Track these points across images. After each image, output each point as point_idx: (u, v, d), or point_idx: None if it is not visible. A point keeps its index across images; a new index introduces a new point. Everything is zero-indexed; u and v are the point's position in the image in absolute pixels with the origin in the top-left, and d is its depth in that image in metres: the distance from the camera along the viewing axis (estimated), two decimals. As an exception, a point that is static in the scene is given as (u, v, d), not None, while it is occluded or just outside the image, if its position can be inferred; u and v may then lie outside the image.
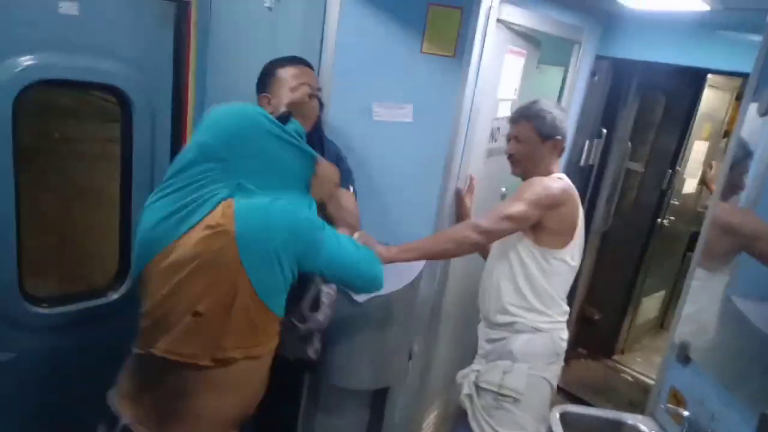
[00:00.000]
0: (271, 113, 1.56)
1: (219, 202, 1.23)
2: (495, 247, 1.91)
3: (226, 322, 1.24)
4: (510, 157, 1.87)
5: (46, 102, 1.95)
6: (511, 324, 1.78)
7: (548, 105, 1.82)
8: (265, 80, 1.69)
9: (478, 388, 1.85)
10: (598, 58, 2.77)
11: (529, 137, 1.79)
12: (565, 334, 1.84)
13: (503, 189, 2.46)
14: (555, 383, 1.83)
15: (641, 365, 3.70)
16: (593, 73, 2.81)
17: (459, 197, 2.05)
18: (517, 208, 1.69)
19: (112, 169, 1.96)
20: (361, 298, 1.87)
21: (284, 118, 1.36)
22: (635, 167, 3.50)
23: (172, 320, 1.23)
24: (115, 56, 1.74)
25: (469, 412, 1.89)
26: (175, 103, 1.99)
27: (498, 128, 2.22)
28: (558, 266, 1.76)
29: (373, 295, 1.88)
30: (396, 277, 1.85)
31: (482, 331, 1.93)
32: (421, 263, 1.98)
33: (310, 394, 2.14)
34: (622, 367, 3.68)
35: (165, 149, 1.91)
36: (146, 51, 1.81)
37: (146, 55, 1.82)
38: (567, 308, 1.84)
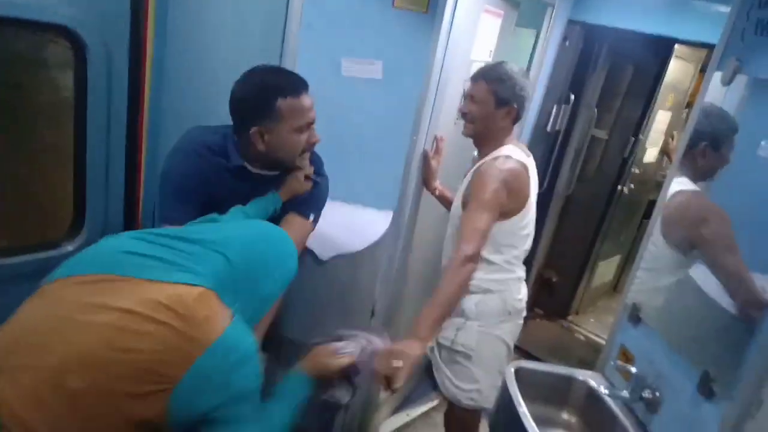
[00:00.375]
0: (264, 152, 1.46)
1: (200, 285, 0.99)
2: (451, 213, 1.92)
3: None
4: (463, 116, 1.84)
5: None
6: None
7: (512, 70, 1.77)
8: (259, 110, 1.43)
9: (437, 342, 1.91)
10: (570, 22, 2.77)
11: (485, 99, 1.76)
12: (520, 294, 1.87)
13: (475, 153, 2.44)
14: (509, 339, 1.88)
15: (594, 326, 3.86)
16: (565, 38, 2.81)
17: (426, 159, 2.04)
18: (485, 217, 1.65)
19: (65, 119, 1.86)
20: (324, 256, 1.87)
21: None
22: (600, 134, 3.55)
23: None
24: (67, -7, 1.62)
25: (433, 363, 1.96)
26: (133, 46, 1.88)
27: None
28: (508, 234, 1.78)
29: (337, 253, 1.89)
30: (360, 236, 1.86)
31: None
32: (386, 223, 1.99)
33: (272, 349, 2.15)
34: (576, 327, 3.83)
35: (122, 97, 1.82)
36: (101, -10, 1.70)
37: (101, -6, 1.70)
38: (520, 272, 1.87)
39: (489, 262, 1.78)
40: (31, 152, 2.04)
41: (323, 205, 1.65)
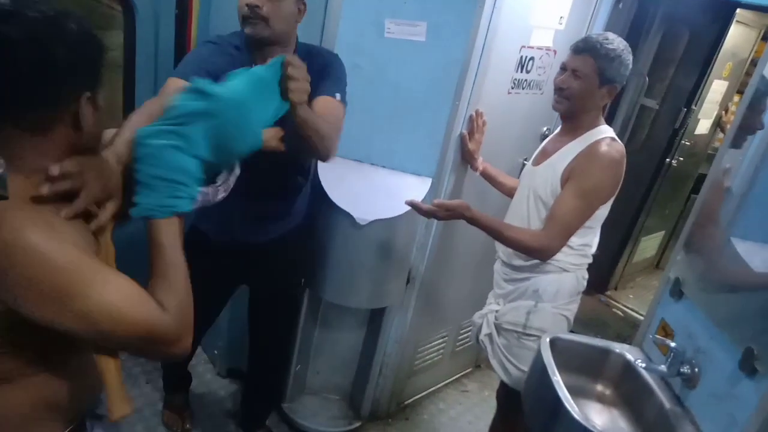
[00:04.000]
0: None
1: None
2: (524, 193, 1.80)
3: None
4: (559, 90, 1.68)
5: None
6: (537, 265, 1.75)
7: (619, 46, 1.62)
8: None
9: (499, 328, 1.84)
10: (625, -16, 2.63)
11: (589, 76, 1.62)
12: (587, 274, 1.82)
13: (544, 129, 2.30)
14: (572, 319, 1.84)
15: (633, 302, 3.79)
16: (618, 1, 2.68)
17: (463, 141, 1.99)
18: (582, 212, 1.62)
19: (114, 78, 1.91)
20: (362, 220, 1.89)
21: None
22: (650, 104, 3.41)
23: None
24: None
25: (489, 350, 1.89)
26: (179, 9, 1.91)
27: (531, 58, 2.07)
28: (595, 219, 1.70)
29: (375, 218, 1.90)
30: (398, 202, 1.86)
31: (501, 270, 1.87)
32: (423, 191, 1.98)
33: (310, 310, 2.21)
34: (615, 302, 3.77)
35: (168, 57, 1.86)
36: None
37: (149, -45, 1.73)
38: (594, 249, 1.80)
39: (570, 246, 1.71)
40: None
41: (345, 85, 1.61)
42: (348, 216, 1.89)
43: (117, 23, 1.86)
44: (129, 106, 1.84)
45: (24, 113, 0.81)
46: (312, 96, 1.44)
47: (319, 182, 1.91)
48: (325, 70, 1.55)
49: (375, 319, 2.25)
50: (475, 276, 2.40)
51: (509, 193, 1.98)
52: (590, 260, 1.80)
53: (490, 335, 1.88)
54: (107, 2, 1.89)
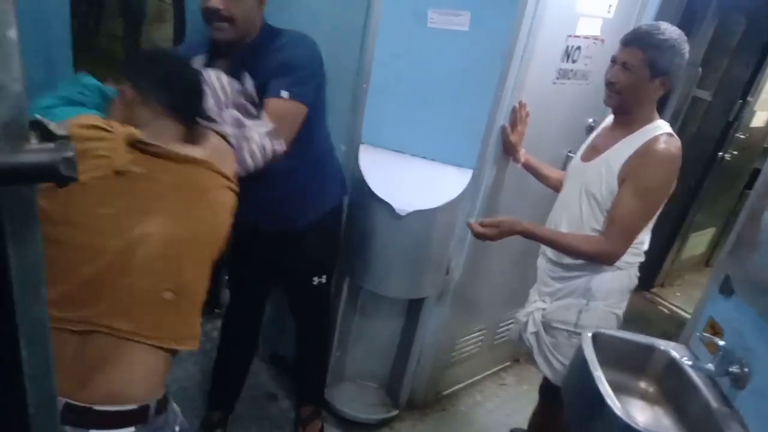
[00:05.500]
0: None
1: None
2: (574, 190, 1.73)
3: None
4: (609, 85, 1.63)
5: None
6: (589, 263, 1.70)
7: (671, 35, 1.55)
8: None
9: (547, 326, 1.80)
10: (678, -30, 2.53)
11: (639, 68, 1.56)
12: (638, 272, 1.78)
13: (590, 120, 2.24)
14: (622, 317, 1.81)
15: (680, 299, 3.67)
16: (670, -13, 2.58)
17: (504, 134, 1.96)
18: (645, 213, 1.59)
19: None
20: (402, 211, 1.90)
21: None
22: (703, 95, 3.28)
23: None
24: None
25: (535, 348, 1.86)
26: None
27: (578, 47, 2.02)
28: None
29: (414, 209, 1.91)
30: (438, 193, 1.86)
31: (547, 268, 1.83)
32: (464, 182, 1.97)
33: (349, 299, 2.23)
34: (661, 300, 3.66)
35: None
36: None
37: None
38: (647, 246, 1.74)
39: None
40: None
41: (303, 77, 1.50)
42: (387, 206, 1.90)
43: (168, 16, 1.93)
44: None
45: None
46: (263, 93, 1.46)
47: (360, 171, 1.93)
48: (278, 65, 1.49)
49: (413, 309, 2.26)
50: (513, 271, 2.38)
51: (554, 185, 1.94)
52: (643, 258, 1.75)
53: (536, 333, 1.84)
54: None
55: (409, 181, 2.00)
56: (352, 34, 1.77)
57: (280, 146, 1.43)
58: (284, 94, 1.45)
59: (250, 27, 1.51)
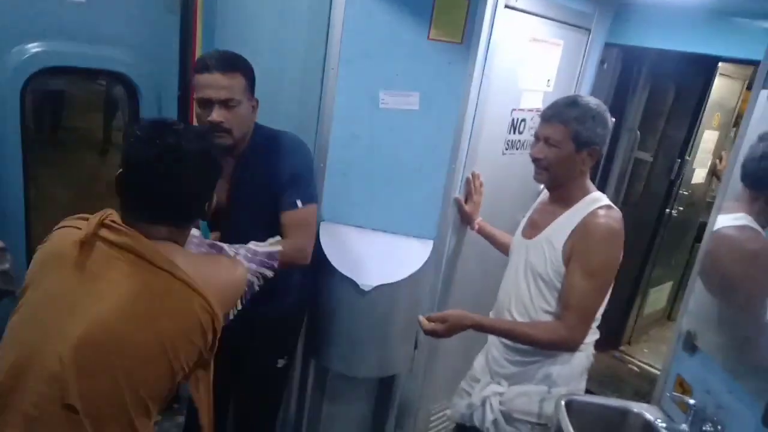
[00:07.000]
0: None
1: None
2: (519, 268, 1.68)
3: None
4: (536, 161, 1.60)
5: (52, 91, 1.95)
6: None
7: (589, 105, 1.55)
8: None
9: (507, 416, 1.67)
10: (608, 45, 2.74)
11: (563, 142, 1.53)
12: (594, 350, 1.73)
13: (541, 187, 2.27)
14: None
15: (648, 356, 3.69)
16: (602, 61, 2.78)
17: (459, 205, 1.99)
18: (598, 292, 1.54)
19: (118, 157, 1.96)
20: (365, 286, 1.88)
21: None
22: (644, 156, 3.47)
23: None
24: (122, 43, 1.76)
25: None
26: (182, 90, 1.99)
27: (523, 120, 2.14)
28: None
29: (377, 283, 1.89)
30: (400, 266, 1.86)
31: (499, 349, 1.73)
32: (426, 253, 1.98)
33: (316, 383, 2.15)
34: (629, 358, 3.67)
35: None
36: (153, 38, 1.83)
37: (153, 42, 1.83)
38: (600, 321, 1.68)
39: None
40: (79, 181, 2.16)
41: (308, 180, 1.68)
42: (351, 282, 1.88)
43: (122, 105, 1.94)
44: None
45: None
46: (275, 203, 1.63)
47: (321, 249, 1.92)
48: (287, 180, 1.63)
49: (384, 388, 2.18)
50: (485, 340, 2.35)
51: (508, 252, 1.96)
52: (598, 335, 1.70)
53: (495, 422, 1.69)
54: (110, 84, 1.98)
55: (372, 255, 1.99)
56: (309, 119, 1.89)
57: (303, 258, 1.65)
58: (298, 203, 1.63)
59: (246, 132, 1.64)
